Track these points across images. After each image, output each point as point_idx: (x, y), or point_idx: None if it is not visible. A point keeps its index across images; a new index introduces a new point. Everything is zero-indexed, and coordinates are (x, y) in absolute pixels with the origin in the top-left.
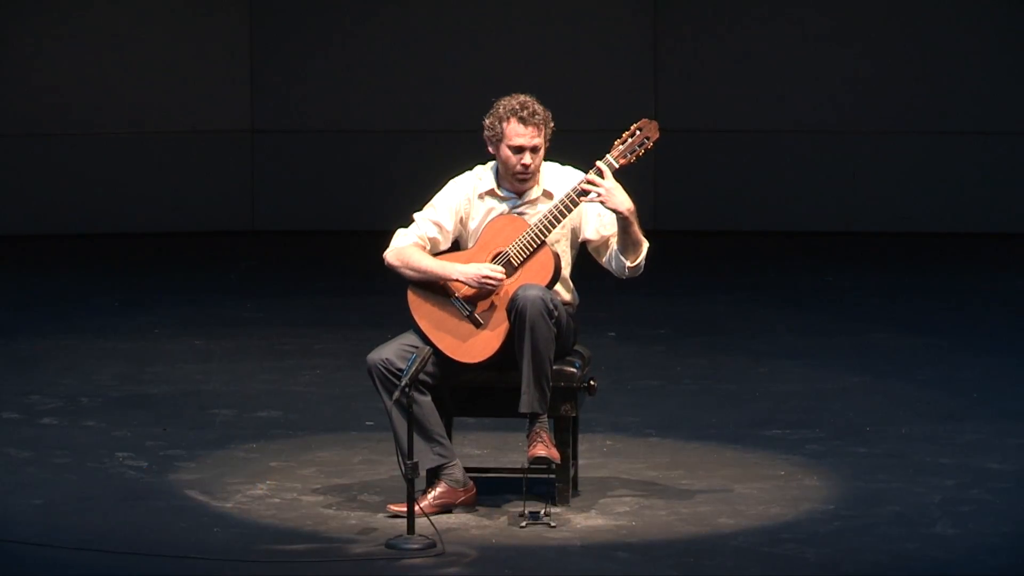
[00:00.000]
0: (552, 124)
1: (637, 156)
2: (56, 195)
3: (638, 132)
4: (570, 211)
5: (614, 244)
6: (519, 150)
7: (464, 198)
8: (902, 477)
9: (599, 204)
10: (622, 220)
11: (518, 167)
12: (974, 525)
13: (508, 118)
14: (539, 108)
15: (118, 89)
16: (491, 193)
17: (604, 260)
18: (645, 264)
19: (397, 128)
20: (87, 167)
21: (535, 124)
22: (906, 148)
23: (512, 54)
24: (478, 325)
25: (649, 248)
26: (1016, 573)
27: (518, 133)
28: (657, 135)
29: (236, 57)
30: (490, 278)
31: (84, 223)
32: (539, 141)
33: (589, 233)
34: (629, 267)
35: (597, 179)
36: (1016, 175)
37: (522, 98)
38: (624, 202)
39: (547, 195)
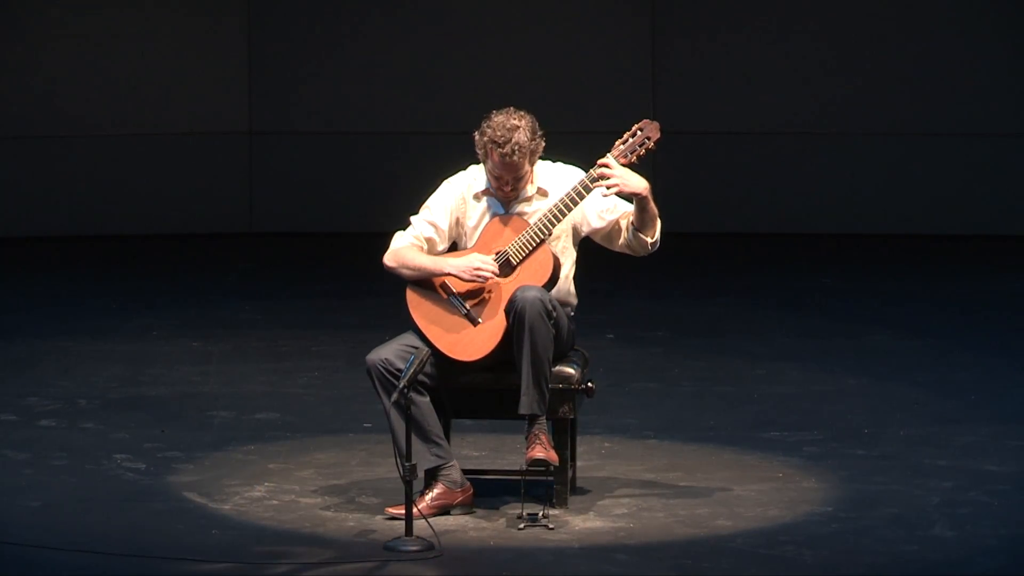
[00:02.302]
0: (542, 141)
1: (638, 156)
2: (54, 197)
3: (639, 132)
4: (574, 206)
5: (624, 225)
6: (499, 178)
7: (459, 197)
8: (900, 479)
9: (600, 195)
10: (641, 200)
11: (501, 188)
12: (972, 527)
13: (491, 150)
14: (524, 139)
15: (116, 91)
16: (486, 192)
17: (620, 243)
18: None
19: (395, 130)
20: (85, 169)
21: (514, 162)
22: (904, 150)
23: (510, 56)
24: (475, 323)
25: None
26: (1014, 574)
27: (499, 165)
28: (658, 135)
29: (234, 59)
30: (481, 270)
31: (82, 225)
32: (521, 172)
33: (595, 222)
34: (651, 242)
35: (607, 171)
36: (1014, 177)
37: (510, 124)
38: (640, 183)
39: (541, 192)
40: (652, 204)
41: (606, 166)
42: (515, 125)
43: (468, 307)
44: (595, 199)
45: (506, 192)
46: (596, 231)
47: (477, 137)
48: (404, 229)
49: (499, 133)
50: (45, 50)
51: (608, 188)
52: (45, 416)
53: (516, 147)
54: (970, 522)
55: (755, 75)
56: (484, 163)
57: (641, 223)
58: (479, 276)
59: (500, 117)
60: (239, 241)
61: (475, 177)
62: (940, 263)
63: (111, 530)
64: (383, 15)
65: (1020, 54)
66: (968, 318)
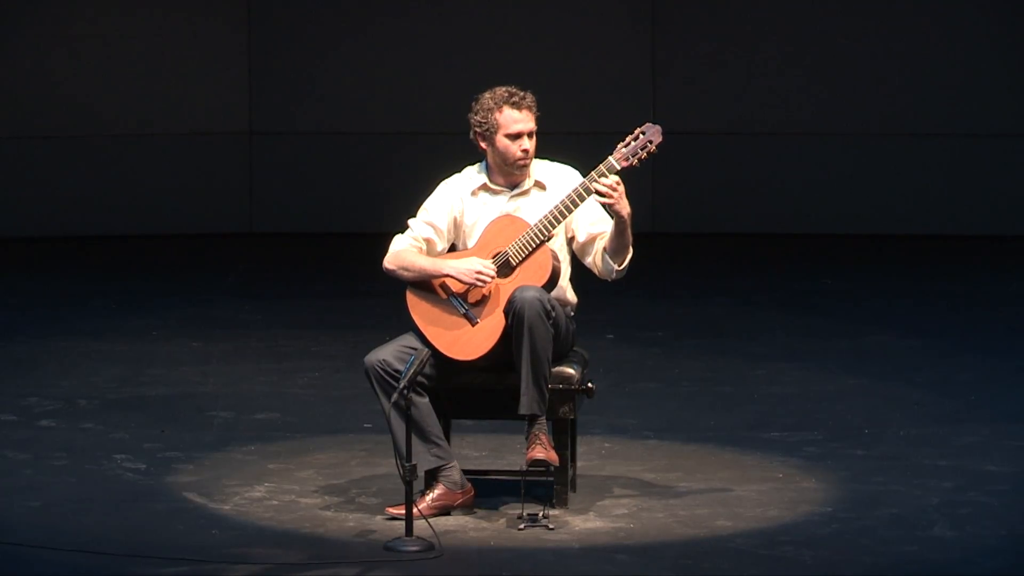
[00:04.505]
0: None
1: (639, 159)
2: (54, 197)
3: (641, 136)
4: (575, 207)
5: (599, 245)
6: (517, 136)
7: (456, 197)
8: (900, 479)
9: (597, 204)
10: (621, 223)
11: (518, 153)
12: (972, 527)
13: (500, 106)
14: (527, 92)
15: (116, 91)
16: (484, 188)
17: (589, 260)
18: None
19: (394, 130)
20: (84, 169)
21: (528, 107)
22: (904, 150)
23: (509, 56)
24: (473, 323)
25: (636, 253)
26: (1014, 575)
27: (514, 119)
28: (660, 139)
29: (234, 59)
30: (482, 273)
31: (82, 225)
32: (533, 125)
33: (580, 234)
34: (617, 270)
35: (612, 182)
36: (1014, 177)
37: (506, 87)
38: (627, 205)
39: (539, 185)
40: (630, 232)
41: (604, 173)
42: (511, 86)
43: (467, 307)
44: (590, 206)
45: (525, 155)
46: (576, 241)
47: (474, 117)
48: (402, 232)
49: (501, 90)
50: (45, 51)
51: (602, 195)
52: (45, 416)
53: (522, 92)
54: (970, 522)
55: (754, 76)
56: (491, 142)
57: (615, 248)
58: (479, 279)
59: (489, 90)
60: (239, 241)
61: (470, 176)
62: (939, 263)
63: (111, 530)
64: (383, 15)
65: (1019, 54)
66: (968, 318)
